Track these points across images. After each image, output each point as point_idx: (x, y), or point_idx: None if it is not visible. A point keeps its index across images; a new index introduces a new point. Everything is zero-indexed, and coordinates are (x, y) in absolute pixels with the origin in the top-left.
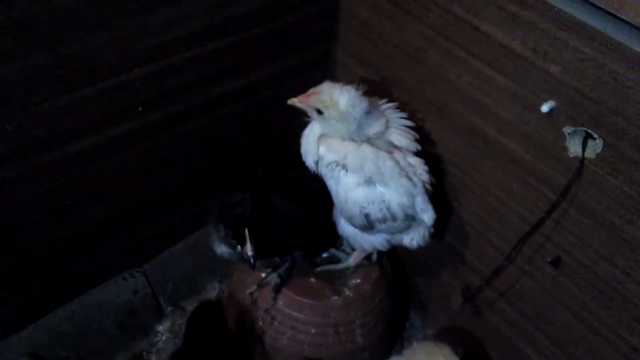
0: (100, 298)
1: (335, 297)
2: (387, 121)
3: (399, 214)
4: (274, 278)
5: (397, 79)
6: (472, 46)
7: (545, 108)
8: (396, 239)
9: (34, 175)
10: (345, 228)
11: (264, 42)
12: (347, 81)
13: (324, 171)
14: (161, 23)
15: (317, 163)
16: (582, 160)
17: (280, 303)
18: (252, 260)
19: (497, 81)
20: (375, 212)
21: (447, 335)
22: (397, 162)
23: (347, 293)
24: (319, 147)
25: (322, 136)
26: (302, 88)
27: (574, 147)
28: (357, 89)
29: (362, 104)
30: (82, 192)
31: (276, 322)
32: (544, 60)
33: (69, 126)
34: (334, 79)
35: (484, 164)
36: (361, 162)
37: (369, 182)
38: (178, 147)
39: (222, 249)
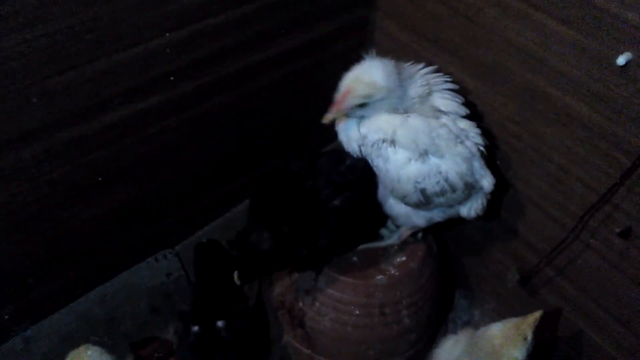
0: (132, 281)
1: (380, 276)
2: (429, 85)
3: (459, 184)
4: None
5: (445, 42)
6: None
7: (621, 60)
8: (453, 210)
9: (63, 151)
10: (395, 208)
11: (297, 6)
12: (388, 48)
13: (369, 151)
14: None
15: (361, 147)
16: None
17: (321, 283)
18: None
19: (563, 35)
20: (432, 186)
21: (498, 316)
22: (449, 129)
23: (393, 272)
24: (359, 128)
25: (362, 118)
26: (339, 58)
27: None
28: (381, 59)
29: (396, 71)
30: (113, 169)
31: (317, 303)
32: (621, 6)
33: (97, 97)
34: (374, 45)
35: (546, 129)
36: (414, 137)
37: (423, 155)
38: (210, 121)
39: None
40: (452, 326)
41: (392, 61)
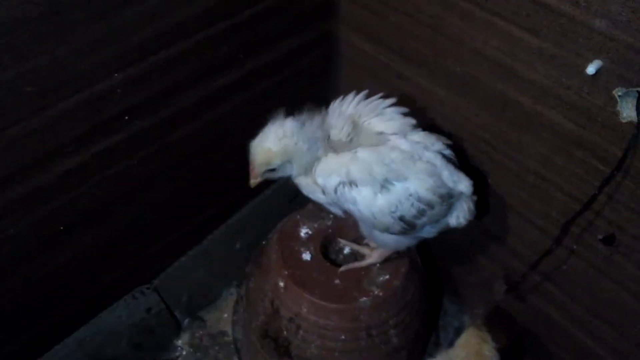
0: (111, 321)
1: (364, 298)
2: (357, 115)
3: (434, 199)
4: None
5: (412, 53)
6: (497, 6)
7: (591, 69)
8: (442, 224)
9: (19, 206)
10: (385, 238)
11: (255, 27)
12: (356, 61)
13: (334, 198)
14: (138, 18)
15: (328, 192)
16: (639, 125)
17: (304, 310)
18: None
19: (530, 44)
20: (408, 211)
21: (486, 322)
22: (401, 150)
23: (377, 292)
24: (315, 178)
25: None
26: (306, 73)
27: (626, 111)
28: (280, 122)
29: (296, 128)
30: (75, 215)
31: (302, 331)
32: (587, 14)
33: (48, 147)
34: (339, 58)
35: (520, 139)
36: (369, 170)
37: (386, 184)
38: (174, 154)
39: None
40: (443, 333)
41: (297, 118)
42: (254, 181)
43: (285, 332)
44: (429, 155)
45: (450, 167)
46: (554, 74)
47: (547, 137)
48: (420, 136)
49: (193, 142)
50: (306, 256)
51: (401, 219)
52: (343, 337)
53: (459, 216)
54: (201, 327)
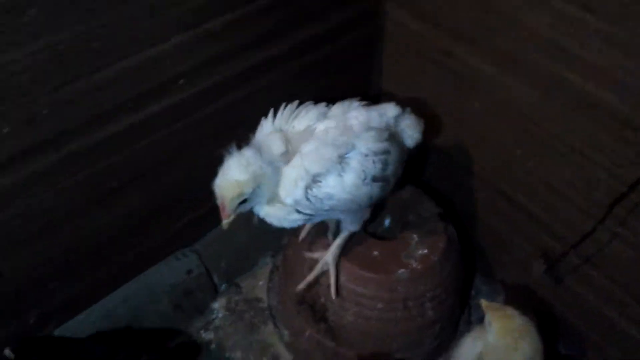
0: (153, 280)
1: (402, 270)
2: (279, 128)
3: (385, 144)
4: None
5: (461, 31)
6: None
7: None
8: (404, 155)
9: (76, 160)
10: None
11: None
12: (401, 38)
13: (314, 206)
14: None
15: (303, 205)
16: None
17: (343, 278)
18: None
19: (586, 22)
20: (374, 168)
21: (520, 303)
22: (331, 127)
23: (415, 265)
24: (283, 199)
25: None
26: (349, 50)
27: None
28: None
29: (255, 156)
30: (127, 174)
31: (340, 298)
32: None
33: (107, 105)
34: (384, 35)
35: (568, 118)
36: (319, 157)
37: (341, 161)
38: (219, 120)
39: None
40: (474, 312)
41: (251, 147)
42: (227, 221)
43: (322, 299)
44: (352, 115)
45: (370, 109)
46: (609, 54)
47: (596, 117)
48: (335, 109)
49: (237, 111)
50: (329, 236)
51: (374, 179)
52: (380, 306)
53: (411, 135)
54: (237, 292)
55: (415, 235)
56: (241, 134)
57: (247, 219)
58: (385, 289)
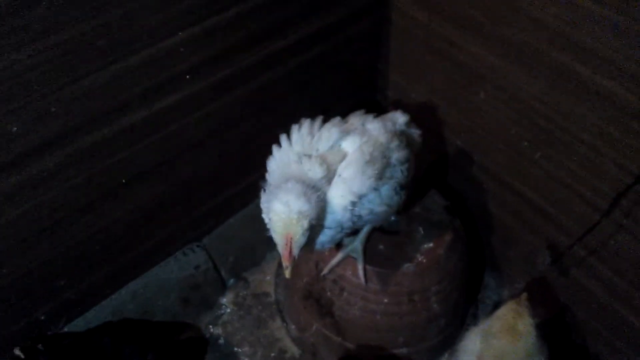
0: (162, 275)
1: (407, 264)
2: (320, 159)
3: (407, 150)
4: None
5: (467, 20)
6: None
7: None
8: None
9: (85, 156)
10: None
11: None
12: (406, 29)
13: (352, 222)
14: None
15: (344, 225)
16: None
17: (348, 273)
18: None
19: (592, 11)
20: (402, 176)
21: (526, 296)
22: (362, 146)
23: (420, 259)
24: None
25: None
26: (356, 41)
27: None
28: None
29: (302, 185)
30: (136, 169)
31: (345, 293)
32: None
33: (115, 101)
34: (390, 26)
35: (575, 109)
36: (364, 183)
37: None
38: (228, 115)
39: None
40: (482, 306)
41: (286, 177)
42: (290, 265)
43: (328, 293)
44: (372, 127)
45: (383, 119)
46: (616, 44)
47: (603, 108)
48: (353, 121)
49: (245, 105)
50: None
51: (401, 187)
52: (386, 300)
53: (416, 140)
54: (245, 287)
55: (421, 229)
56: (251, 129)
57: (253, 217)
58: (391, 283)
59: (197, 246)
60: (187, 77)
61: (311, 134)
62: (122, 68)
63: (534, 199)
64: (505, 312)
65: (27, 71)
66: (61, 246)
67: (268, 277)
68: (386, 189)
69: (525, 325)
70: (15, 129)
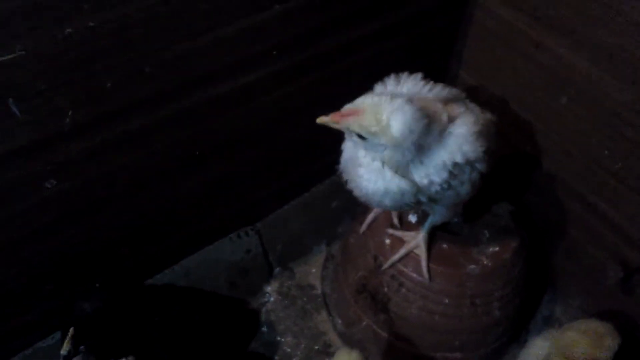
0: (214, 256)
1: (472, 266)
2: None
3: None
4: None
5: (557, 21)
6: None
7: None
8: None
9: (168, 123)
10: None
11: None
12: (489, 27)
13: (437, 191)
14: None
15: (429, 190)
16: None
17: (409, 269)
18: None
19: None
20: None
21: (583, 314)
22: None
23: (486, 262)
24: (415, 176)
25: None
26: (433, 36)
27: None
28: (410, 102)
29: (421, 123)
30: (209, 143)
31: (404, 289)
32: None
33: (205, 69)
34: (470, 23)
35: None
36: (475, 149)
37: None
38: (304, 98)
39: None
40: (532, 321)
41: (423, 110)
42: (332, 124)
43: (385, 289)
44: (472, 105)
45: (451, 89)
46: None
47: None
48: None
49: (320, 89)
50: (412, 218)
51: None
52: (446, 301)
53: None
54: (290, 277)
55: (486, 232)
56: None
57: (306, 206)
58: (454, 284)
59: (251, 229)
60: (274, 53)
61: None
62: (218, 37)
63: (607, 212)
64: (590, 327)
65: (132, 27)
66: (129, 213)
67: (314, 270)
68: (481, 167)
69: (611, 345)
70: (109, 84)
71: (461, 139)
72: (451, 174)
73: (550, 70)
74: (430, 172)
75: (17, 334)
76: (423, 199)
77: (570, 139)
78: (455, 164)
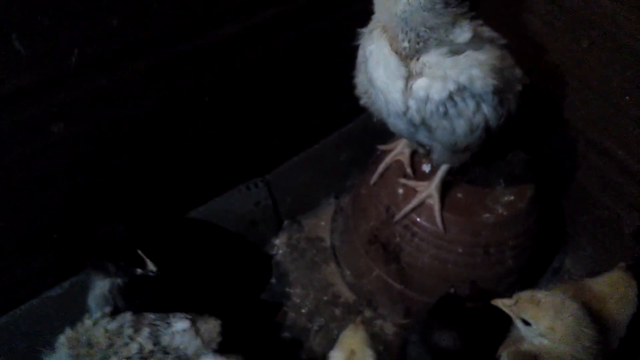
0: (224, 206)
1: (487, 215)
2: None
3: None
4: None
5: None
6: None
7: None
8: None
9: (177, 64)
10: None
11: None
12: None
13: (432, 115)
14: None
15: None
16: None
17: (423, 219)
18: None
19: None
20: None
21: (593, 263)
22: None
23: (501, 211)
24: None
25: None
26: None
27: None
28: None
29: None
30: (217, 89)
31: (417, 239)
32: None
33: (212, 10)
34: None
35: None
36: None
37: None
38: (316, 44)
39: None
40: (550, 275)
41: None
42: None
43: (397, 239)
44: None
45: None
46: None
47: None
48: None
49: (335, 36)
50: (426, 168)
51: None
52: (460, 250)
53: None
54: (299, 230)
55: (501, 180)
56: (331, 65)
57: (315, 159)
58: (468, 233)
59: (261, 181)
60: None
61: None
62: None
63: (625, 160)
64: (615, 279)
65: None
66: (138, 158)
67: (323, 223)
68: (488, 107)
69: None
70: (115, 22)
71: (475, 63)
72: (451, 98)
73: (573, 11)
74: (431, 89)
75: (27, 281)
76: (417, 118)
77: (590, 84)
78: (459, 89)
